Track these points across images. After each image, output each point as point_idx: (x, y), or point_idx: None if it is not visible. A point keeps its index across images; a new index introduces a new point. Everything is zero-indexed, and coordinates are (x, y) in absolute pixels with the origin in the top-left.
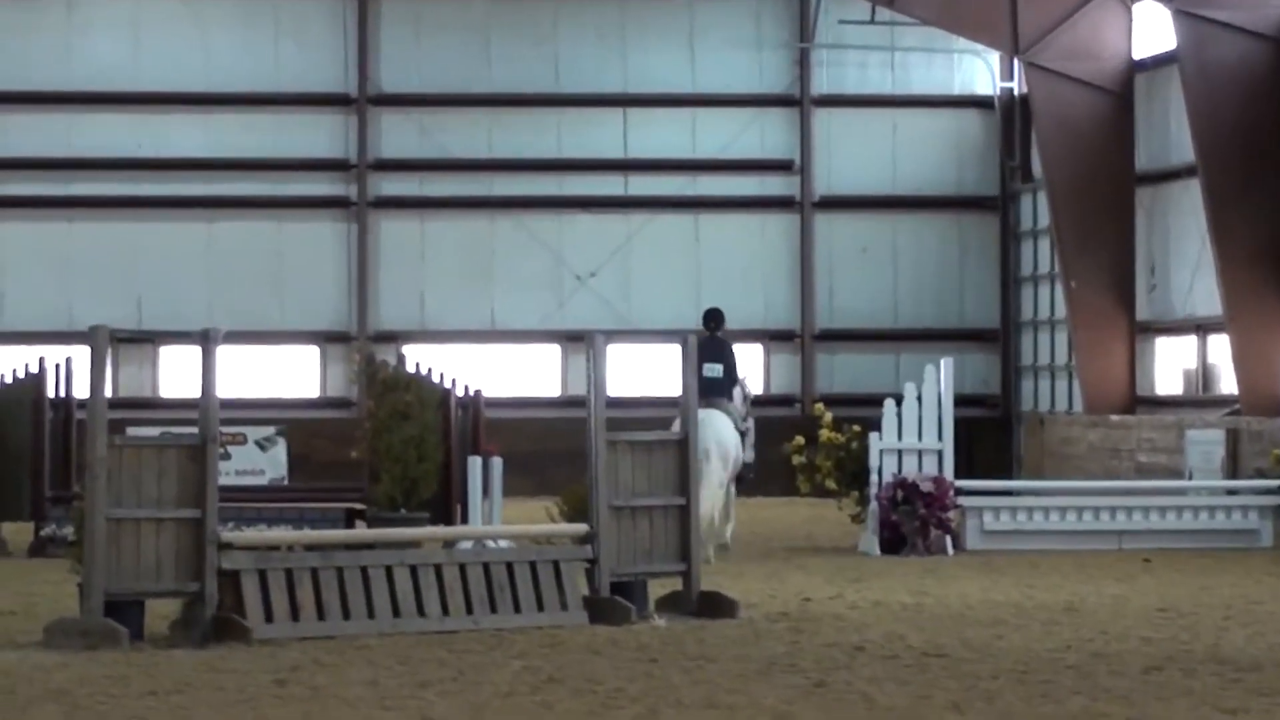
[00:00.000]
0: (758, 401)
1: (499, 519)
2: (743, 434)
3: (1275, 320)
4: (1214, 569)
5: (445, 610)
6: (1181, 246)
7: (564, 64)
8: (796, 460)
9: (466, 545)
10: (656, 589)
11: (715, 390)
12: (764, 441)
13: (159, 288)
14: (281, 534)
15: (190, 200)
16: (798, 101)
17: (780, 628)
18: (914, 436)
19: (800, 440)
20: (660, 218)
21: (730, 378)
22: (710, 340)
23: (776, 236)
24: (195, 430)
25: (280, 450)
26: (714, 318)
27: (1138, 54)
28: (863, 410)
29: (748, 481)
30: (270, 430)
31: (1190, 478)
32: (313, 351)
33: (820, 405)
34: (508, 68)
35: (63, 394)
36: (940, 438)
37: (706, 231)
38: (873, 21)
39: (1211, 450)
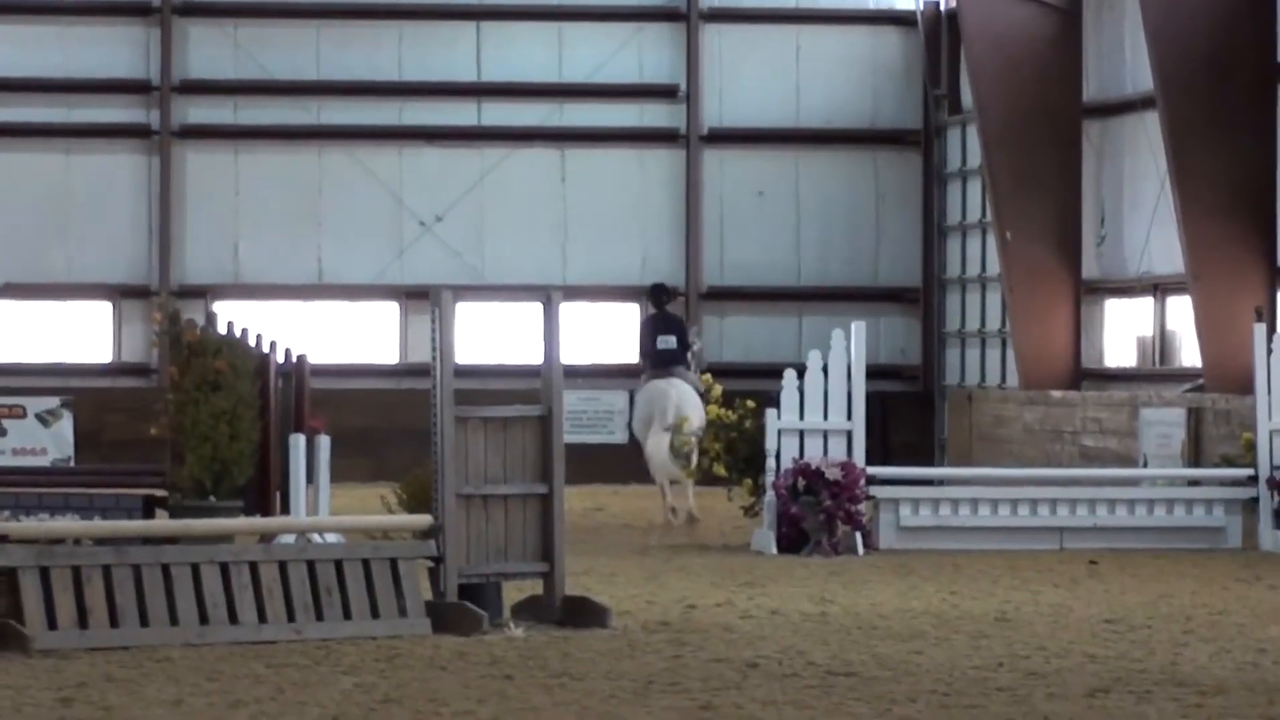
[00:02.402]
0: (632, 371)
1: (326, 509)
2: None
3: (1245, 279)
4: (1172, 573)
5: (262, 617)
6: (1136, 191)
7: None
8: (680, 441)
9: (288, 540)
10: (513, 593)
11: (672, 360)
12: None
13: None
14: (67, 525)
15: None
16: (684, 15)
17: (659, 640)
18: (818, 415)
19: (685, 418)
20: (520, 152)
21: (684, 347)
22: (660, 314)
23: (657, 176)
24: None
25: (66, 425)
26: (664, 292)
27: None
28: (758, 382)
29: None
30: (54, 402)
31: (1145, 465)
32: (105, 308)
33: (707, 376)
34: None
35: None
36: (849, 416)
37: (575, 169)
38: None
39: (1170, 433)
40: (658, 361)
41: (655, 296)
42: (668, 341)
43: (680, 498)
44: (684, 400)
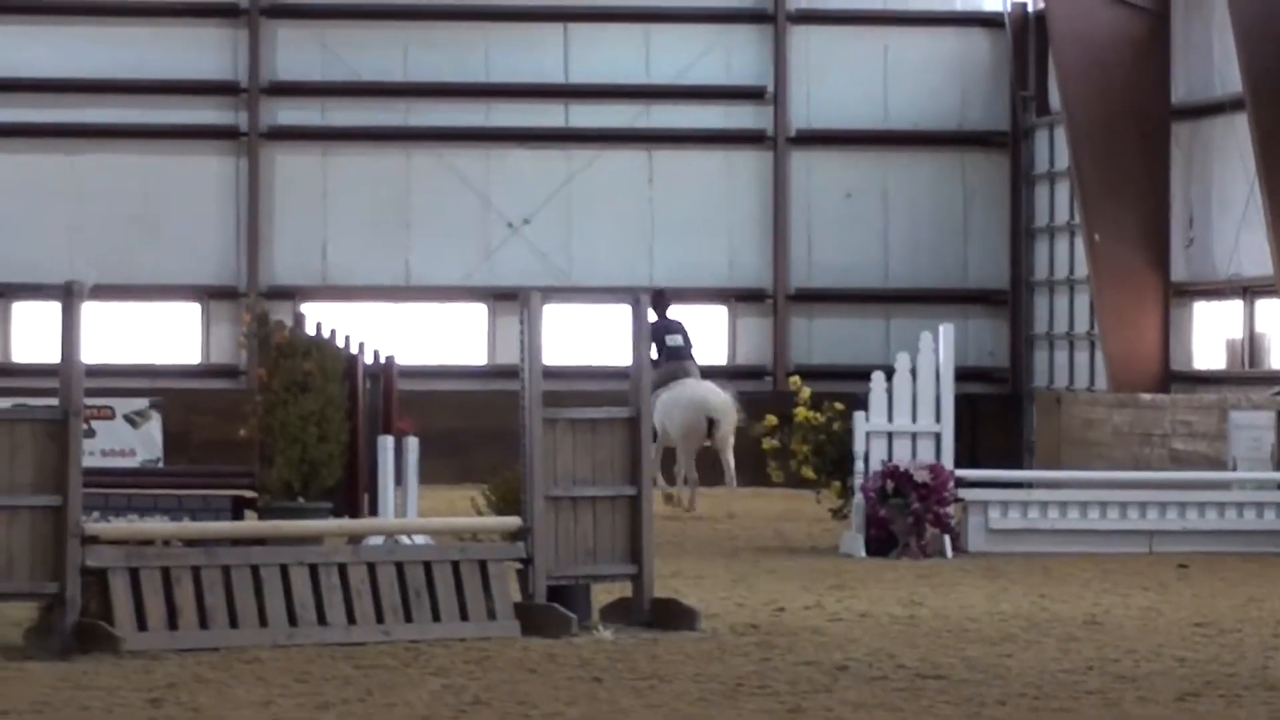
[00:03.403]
0: (720, 373)
1: (415, 510)
2: None
3: None
4: (1262, 577)
5: (351, 619)
6: (1225, 193)
7: None
8: (768, 444)
9: (376, 541)
10: (601, 595)
11: (682, 356)
12: None
13: (10, 232)
14: (157, 526)
15: (48, 128)
16: (771, 17)
17: (748, 642)
18: (907, 417)
19: (772, 420)
20: (607, 154)
21: (688, 345)
22: (663, 319)
23: (745, 178)
24: (54, 402)
25: (155, 426)
26: (664, 298)
27: None
28: (846, 385)
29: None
30: (143, 403)
31: (1235, 468)
32: (194, 309)
33: (796, 379)
34: None
35: None
36: (938, 418)
37: (662, 171)
38: None
39: (1260, 436)
40: (669, 357)
41: (655, 302)
42: (675, 340)
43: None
44: (728, 406)
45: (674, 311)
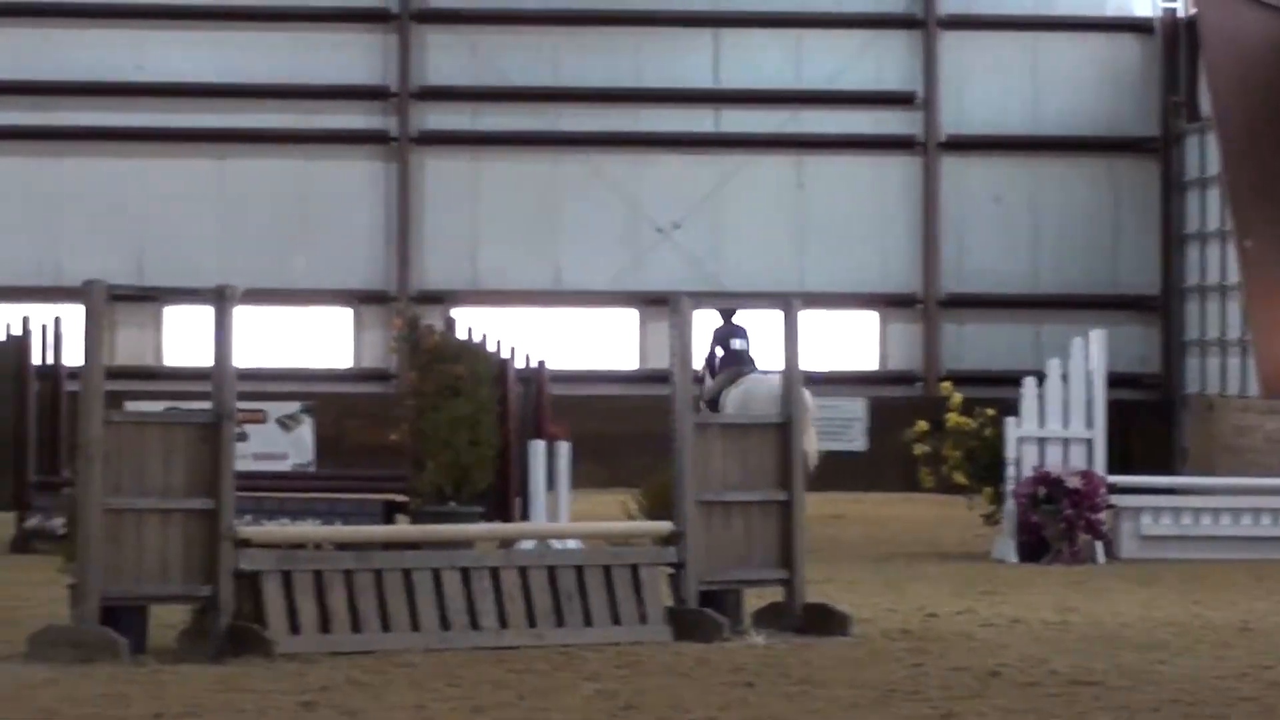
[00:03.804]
0: (870, 379)
1: (566, 514)
2: None
3: None
4: None
5: (503, 622)
6: None
7: None
8: (919, 450)
9: (528, 545)
10: (753, 600)
11: (745, 360)
12: (880, 427)
13: (163, 237)
14: (309, 529)
15: (200, 134)
16: (921, 23)
17: (900, 648)
18: (1058, 423)
19: (923, 426)
20: (757, 159)
21: (750, 350)
22: (727, 324)
23: (895, 183)
24: (207, 406)
25: (306, 430)
26: (730, 314)
27: None
28: (997, 391)
29: None
30: (295, 407)
31: None
32: (345, 314)
33: (947, 384)
34: None
35: (50, 361)
36: (1089, 424)
37: (812, 176)
38: None
39: None
40: (733, 361)
41: (725, 316)
42: (739, 344)
43: None
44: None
45: (740, 318)
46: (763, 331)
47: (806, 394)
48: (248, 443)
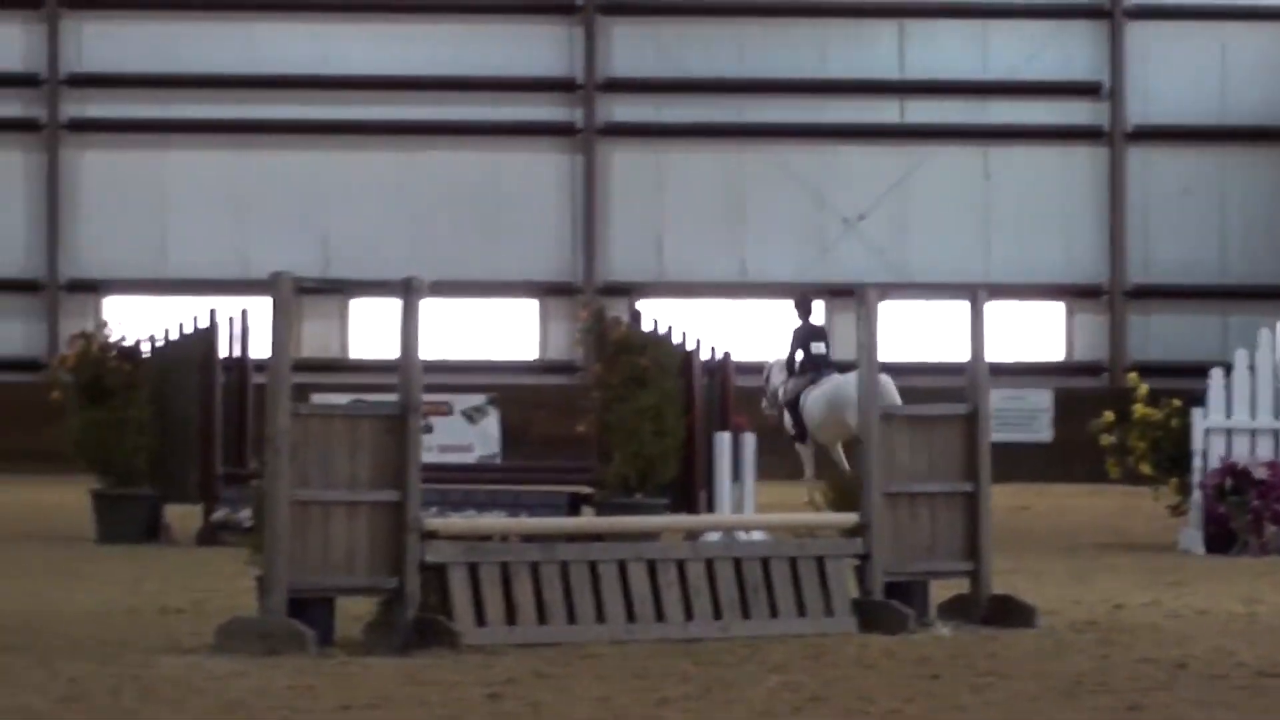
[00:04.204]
0: (1057, 370)
1: (752, 506)
2: None
3: None
4: None
5: (689, 614)
6: None
7: None
8: (1105, 440)
9: (714, 537)
10: (939, 591)
11: (825, 364)
12: (1066, 418)
13: (349, 229)
14: (495, 521)
15: (386, 126)
16: (1108, 12)
17: (1087, 639)
18: (1246, 414)
19: (1109, 417)
20: (942, 150)
21: (830, 352)
22: (806, 325)
23: (1081, 173)
24: (393, 398)
25: (492, 422)
26: (807, 303)
27: None
28: (1184, 381)
29: None
30: (480, 399)
31: None
32: (530, 306)
33: (1134, 375)
34: None
35: (237, 353)
36: (1277, 415)
37: (998, 167)
38: None
39: None
40: (812, 365)
41: (801, 308)
42: (819, 347)
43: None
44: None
45: (818, 317)
46: (838, 330)
47: (890, 384)
48: (433, 435)
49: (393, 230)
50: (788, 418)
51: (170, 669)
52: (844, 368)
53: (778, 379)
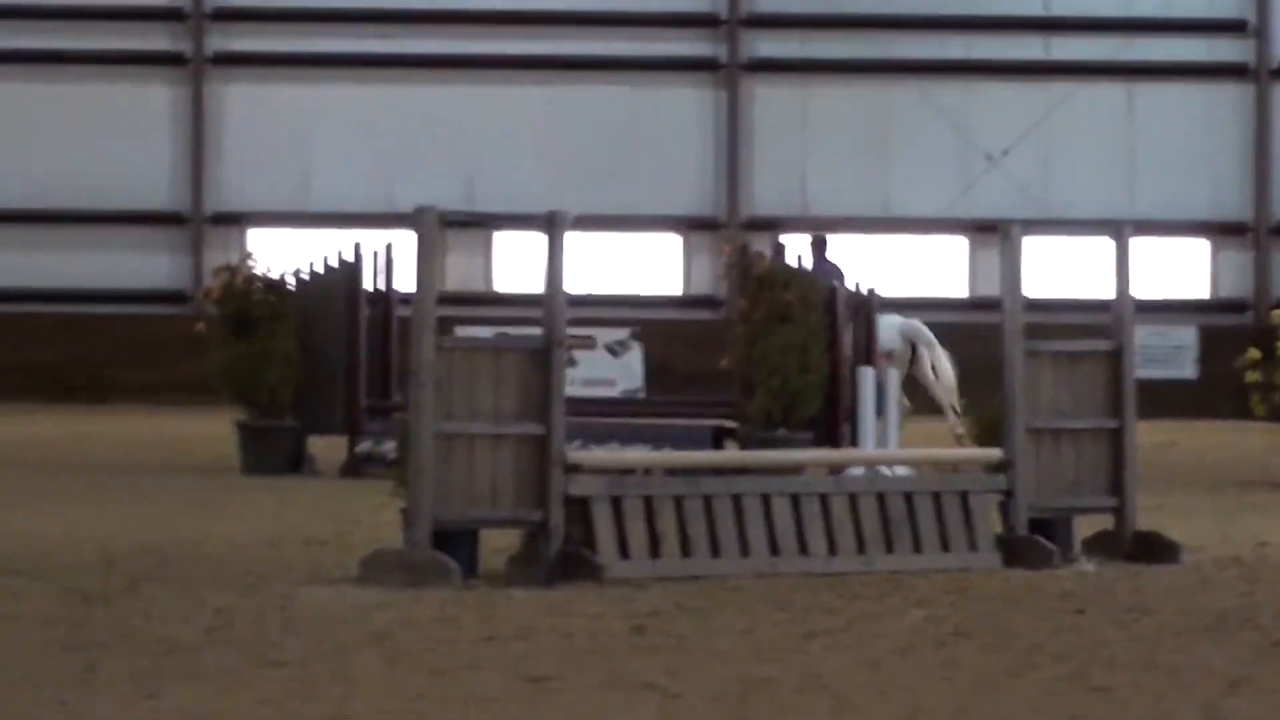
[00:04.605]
0: (1201, 307)
1: (895, 441)
2: None
3: None
4: None
5: (832, 549)
6: None
7: None
8: (1250, 377)
9: (857, 472)
10: (1083, 527)
11: None
12: (1211, 355)
13: (492, 163)
14: (639, 455)
15: (529, 60)
16: None
17: (1231, 576)
18: None
19: (1255, 354)
20: (1087, 87)
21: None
22: (829, 263)
23: (1226, 111)
24: (537, 331)
25: (635, 356)
26: (822, 244)
27: None
28: None
29: None
30: (624, 333)
31: None
32: (674, 240)
33: (1278, 312)
34: None
35: (381, 287)
36: None
37: (1142, 104)
38: None
39: None
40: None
41: (817, 248)
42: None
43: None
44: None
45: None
46: (852, 265)
47: (923, 328)
48: (577, 369)
49: (536, 164)
50: None
51: (314, 600)
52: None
53: None
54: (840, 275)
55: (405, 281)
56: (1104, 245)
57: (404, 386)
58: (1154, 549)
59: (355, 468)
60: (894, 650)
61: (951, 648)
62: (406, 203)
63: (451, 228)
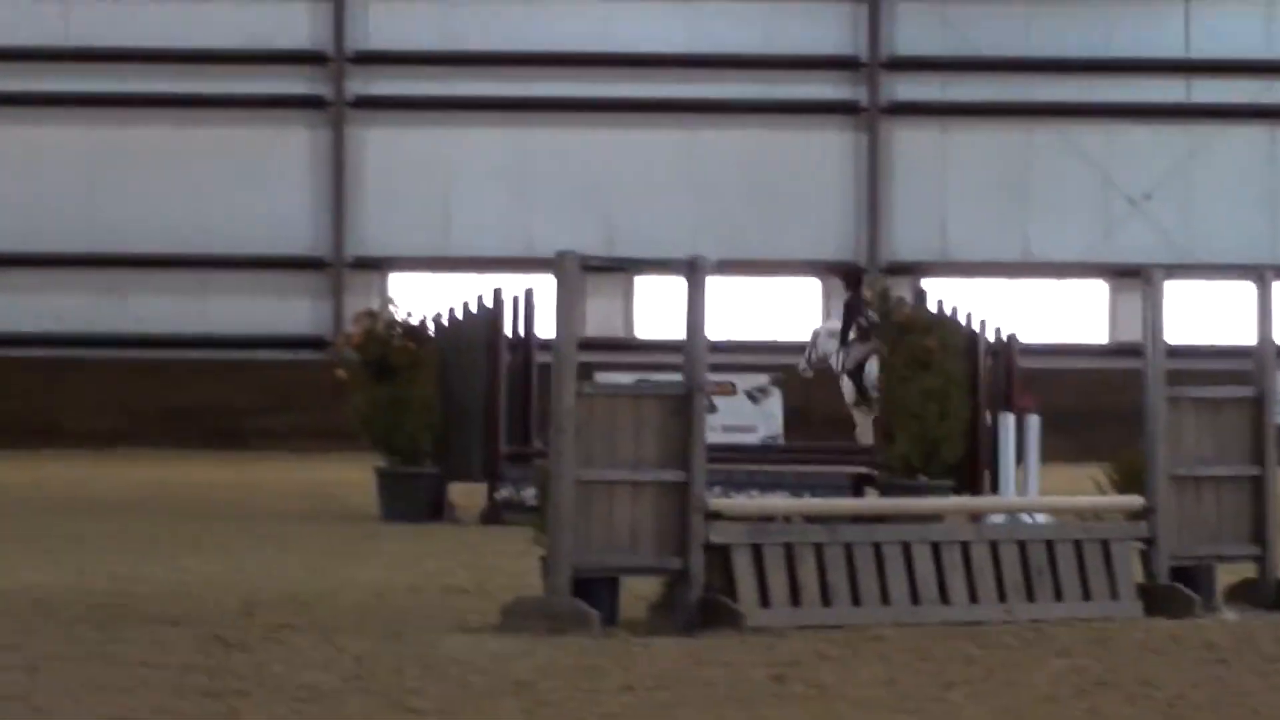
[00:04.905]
0: None
1: (1036, 489)
2: None
3: None
4: None
5: (973, 597)
6: None
7: None
8: None
9: (998, 519)
10: (1225, 576)
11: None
12: None
13: (632, 207)
14: (779, 502)
15: (670, 104)
16: None
17: None
18: None
19: None
20: (1229, 130)
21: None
22: (860, 297)
23: None
24: (678, 377)
25: (775, 402)
26: (858, 278)
27: None
28: None
29: None
30: (764, 379)
31: None
32: (814, 284)
33: None
34: None
35: (521, 332)
36: None
37: None
38: None
39: None
40: (868, 335)
41: (851, 281)
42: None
43: None
44: None
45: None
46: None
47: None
48: (717, 414)
49: (675, 208)
50: (847, 383)
51: (454, 648)
52: None
53: (828, 345)
54: (866, 312)
55: (545, 327)
56: (1246, 290)
57: (544, 433)
58: None
59: (495, 514)
60: (1035, 700)
61: (1093, 697)
62: (546, 247)
63: (592, 272)
